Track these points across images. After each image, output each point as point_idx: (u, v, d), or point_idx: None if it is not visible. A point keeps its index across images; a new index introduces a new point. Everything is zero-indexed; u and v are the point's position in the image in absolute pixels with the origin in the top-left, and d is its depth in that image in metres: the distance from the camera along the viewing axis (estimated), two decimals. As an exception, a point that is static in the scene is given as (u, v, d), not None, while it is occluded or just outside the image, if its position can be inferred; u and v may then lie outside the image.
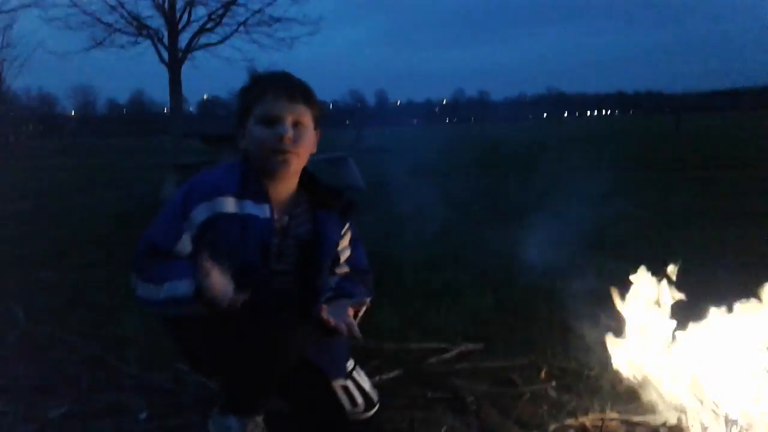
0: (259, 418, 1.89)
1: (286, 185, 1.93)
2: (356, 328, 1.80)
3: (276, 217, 1.87)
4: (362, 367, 2.18)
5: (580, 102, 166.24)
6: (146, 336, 2.95)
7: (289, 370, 1.81)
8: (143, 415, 2.29)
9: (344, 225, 2.01)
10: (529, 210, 5.92)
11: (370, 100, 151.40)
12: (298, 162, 1.88)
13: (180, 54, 23.29)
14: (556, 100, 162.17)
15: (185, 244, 1.78)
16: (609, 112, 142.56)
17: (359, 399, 2.02)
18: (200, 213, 1.78)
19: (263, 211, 1.84)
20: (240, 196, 1.82)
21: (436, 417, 2.19)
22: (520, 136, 29.01)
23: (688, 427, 1.75)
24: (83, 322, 3.36)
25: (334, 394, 1.98)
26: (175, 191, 1.86)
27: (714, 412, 1.74)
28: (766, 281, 2.02)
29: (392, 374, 2.51)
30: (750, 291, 2.05)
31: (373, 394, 2.07)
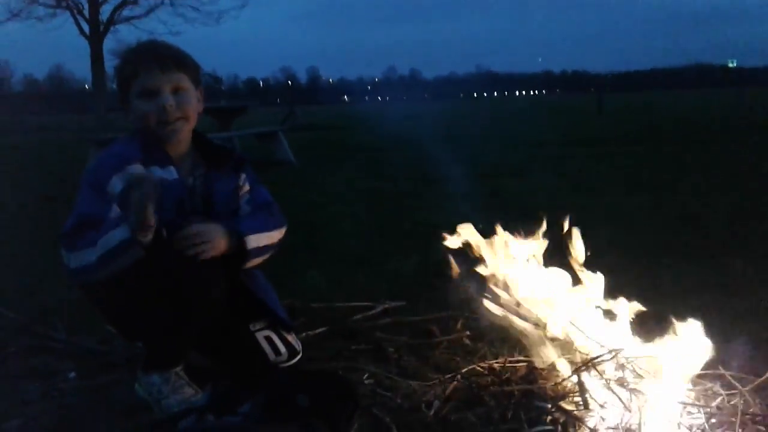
0: (180, 370, 1.98)
1: (182, 148, 2.02)
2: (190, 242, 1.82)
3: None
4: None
5: (509, 81, 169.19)
6: (73, 306, 2.96)
7: (210, 321, 1.91)
8: (72, 375, 2.33)
9: (237, 181, 2.11)
10: (453, 181, 6.14)
11: (302, 77, 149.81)
12: (187, 126, 1.98)
13: (101, 27, 22.42)
14: (486, 79, 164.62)
15: (116, 212, 1.82)
16: (536, 91, 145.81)
17: (282, 348, 2.13)
18: (116, 185, 1.83)
19: (170, 173, 1.93)
20: (146, 163, 1.89)
21: (360, 366, 2.32)
22: (449, 114, 29.42)
23: (577, 364, 1.95)
24: (7, 294, 3.33)
25: (256, 342, 2.09)
26: (85, 171, 1.94)
27: (599, 345, 1.94)
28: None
29: (318, 330, 2.63)
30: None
31: (296, 344, 2.18)
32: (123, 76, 1.96)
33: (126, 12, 22.95)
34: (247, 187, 2.14)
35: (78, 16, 22.12)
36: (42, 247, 4.18)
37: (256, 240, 1.96)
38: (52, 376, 2.32)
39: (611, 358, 1.87)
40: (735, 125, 15.11)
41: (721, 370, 2.06)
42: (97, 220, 1.82)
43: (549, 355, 2.00)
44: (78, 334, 2.67)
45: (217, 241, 1.86)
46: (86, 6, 22.03)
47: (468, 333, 2.57)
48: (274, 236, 2.06)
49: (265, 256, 2.04)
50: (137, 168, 1.87)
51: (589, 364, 1.86)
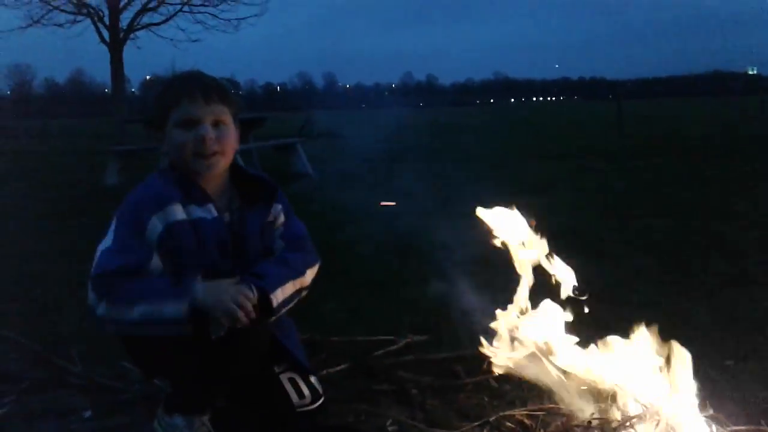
0: (206, 417, 1.91)
1: (218, 183, 1.94)
2: (238, 315, 1.69)
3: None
4: (309, 361, 2.21)
5: (526, 87, 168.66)
6: (89, 332, 2.91)
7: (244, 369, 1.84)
8: (88, 414, 2.27)
9: (268, 213, 2.01)
10: (474, 198, 6.05)
11: (319, 83, 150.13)
12: (224, 161, 1.89)
13: (121, 34, 22.53)
14: (503, 86, 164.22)
15: (155, 261, 1.78)
16: (554, 98, 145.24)
17: (306, 391, 2.05)
18: (155, 226, 1.77)
19: (209, 211, 1.86)
20: (185, 202, 1.82)
21: (382, 409, 2.24)
22: (467, 122, 29.32)
23: (614, 418, 1.85)
24: (22, 317, 3.29)
25: (281, 386, 2.01)
26: (120, 208, 1.83)
27: (636, 401, 1.85)
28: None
29: (339, 367, 2.55)
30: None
31: (319, 387, 2.10)
32: (163, 103, 1.87)
33: (145, 19, 23.01)
34: (282, 219, 2.05)
35: (98, 24, 22.19)
36: (55, 267, 4.15)
37: (282, 292, 1.86)
38: (66, 414, 2.27)
39: (650, 418, 1.78)
40: (759, 136, 14.86)
41: (763, 426, 1.96)
42: (137, 270, 1.74)
43: (585, 410, 1.90)
44: (93, 365, 2.62)
45: (247, 306, 1.72)
46: (106, 13, 22.10)
47: (495, 374, 2.47)
48: (305, 280, 1.96)
49: (295, 301, 1.93)
50: (177, 210, 1.80)
51: (627, 423, 1.76)
